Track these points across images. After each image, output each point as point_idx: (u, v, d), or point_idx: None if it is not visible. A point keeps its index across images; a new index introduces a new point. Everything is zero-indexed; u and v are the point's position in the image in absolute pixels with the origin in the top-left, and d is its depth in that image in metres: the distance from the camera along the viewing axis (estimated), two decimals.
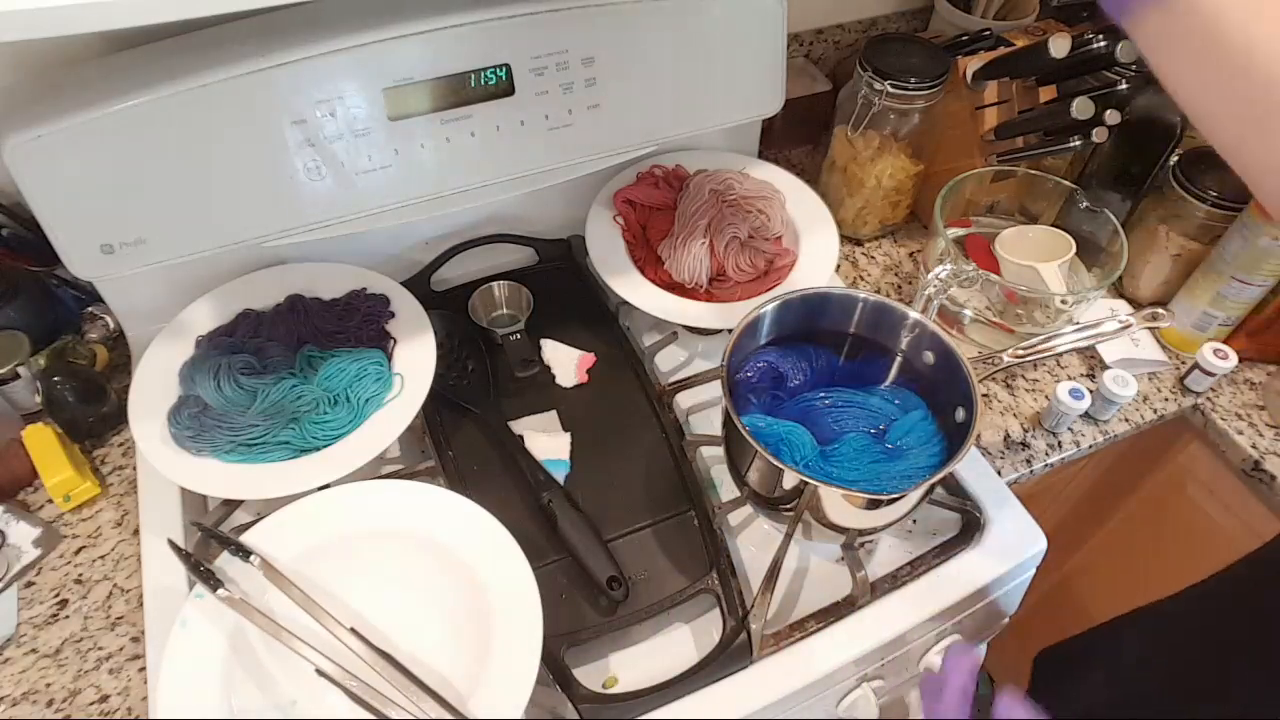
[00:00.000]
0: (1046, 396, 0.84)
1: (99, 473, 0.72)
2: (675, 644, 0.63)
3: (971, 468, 0.71)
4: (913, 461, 0.61)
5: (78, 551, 0.67)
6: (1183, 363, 0.87)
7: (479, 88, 0.71)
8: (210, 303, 0.73)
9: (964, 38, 0.95)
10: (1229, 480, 0.87)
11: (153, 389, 0.67)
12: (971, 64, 0.87)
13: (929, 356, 0.65)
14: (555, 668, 0.57)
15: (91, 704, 0.59)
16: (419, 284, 0.81)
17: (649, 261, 0.80)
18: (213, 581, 0.56)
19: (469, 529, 0.60)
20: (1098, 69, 0.82)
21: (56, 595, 0.65)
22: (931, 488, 0.59)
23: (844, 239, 0.97)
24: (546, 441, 0.69)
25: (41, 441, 0.69)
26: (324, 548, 0.60)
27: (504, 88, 0.71)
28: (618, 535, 0.65)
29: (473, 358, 0.75)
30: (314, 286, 0.74)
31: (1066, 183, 0.85)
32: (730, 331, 0.63)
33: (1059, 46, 0.77)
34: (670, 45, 0.76)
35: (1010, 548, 0.67)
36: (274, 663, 0.56)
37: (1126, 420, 0.83)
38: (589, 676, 0.59)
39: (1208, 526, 0.93)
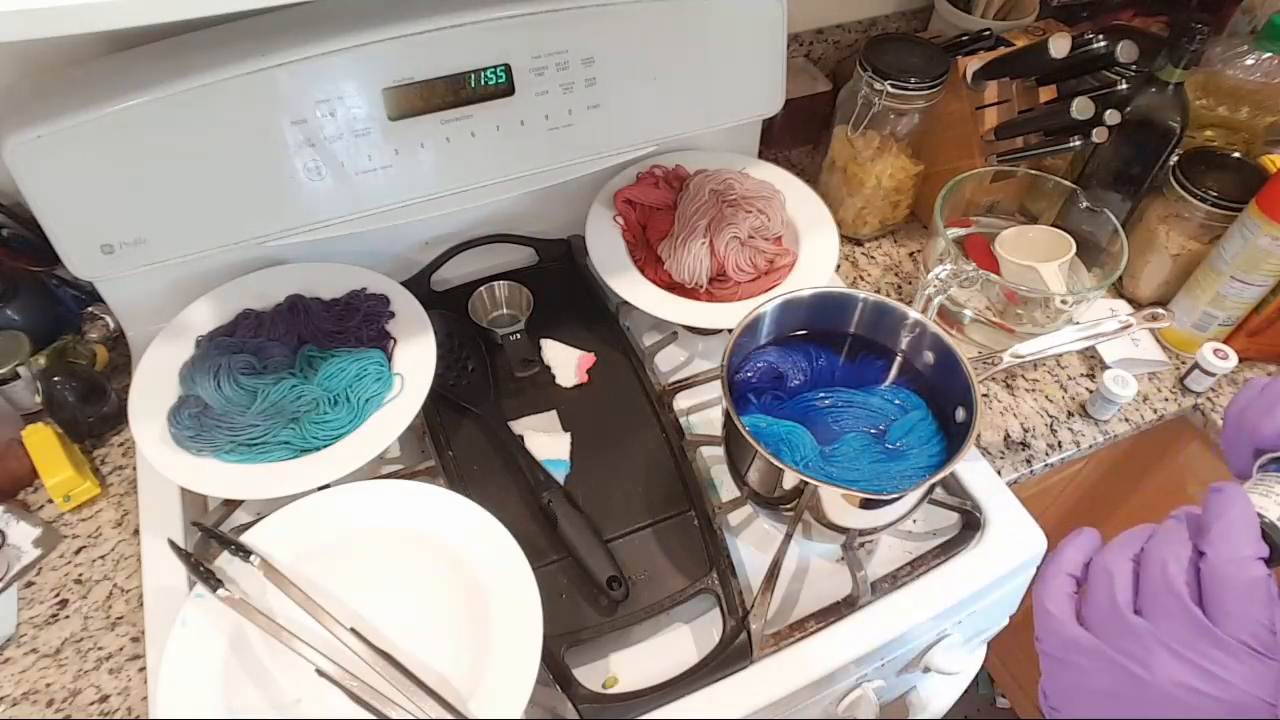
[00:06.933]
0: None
1: (99, 473, 0.72)
2: (675, 644, 0.63)
3: (971, 468, 0.71)
4: (913, 461, 0.61)
5: (78, 551, 0.67)
6: (1183, 363, 0.87)
7: (479, 88, 0.71)
8: (210, 303, 0.73)
9: (964, 38, 0.95)
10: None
11: (153, 389, 0.67)
12: (971, 64, 0.87)
13: (929, 356, 0.65)
14: (555, 668, 0.57)
15: (91, 704, 0.59)
16: (419, 284, 0.81)
17: (649, 261, 0.80)
18: (213, 581, 0.56)
19: (469, 529, 0.60)
20: (1098, 69, 0.82)
21: (56, 595, 0.65)
22: (931, 488, 0.59)
23: (844, 239, 0.97)
24: (546, 441, 0.69)
25: (41, 441, 0.69)
26: (324, 548, 0.60)
27: (504, 88, 0.71)
28: (618, 535, 0.65)
29: (473, 358, 0.75)
30: (314, 286, 0.74)
31: (1066, 183, 0.85)
32: (730, 331, 0.63)
33: (1059, 46, 0.77)
34: (670, 45, 0.76)
35: (1010, 548, 0.66)
36: (274, 663, 0.56)
37: (1126, 420, 0.83)
38: (589, 676, 0.59)
39: None
